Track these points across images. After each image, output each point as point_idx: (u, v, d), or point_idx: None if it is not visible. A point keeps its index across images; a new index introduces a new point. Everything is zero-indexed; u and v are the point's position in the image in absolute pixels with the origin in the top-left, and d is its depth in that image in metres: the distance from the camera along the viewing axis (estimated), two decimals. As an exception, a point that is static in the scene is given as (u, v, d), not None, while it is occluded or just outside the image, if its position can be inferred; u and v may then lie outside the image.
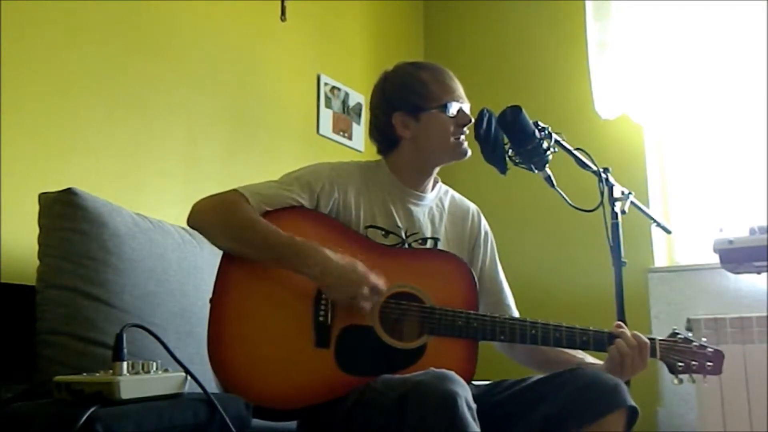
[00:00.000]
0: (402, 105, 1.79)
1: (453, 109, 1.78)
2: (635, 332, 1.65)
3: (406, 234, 1.77)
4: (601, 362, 1.68)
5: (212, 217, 1.65)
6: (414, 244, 1.77)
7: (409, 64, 1.86)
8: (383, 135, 1.83)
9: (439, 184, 1.90)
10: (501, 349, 1.84)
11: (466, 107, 1.81)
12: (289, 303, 1.59)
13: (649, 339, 1.66)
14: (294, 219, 1.66)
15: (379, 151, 1.87)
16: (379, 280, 1.58)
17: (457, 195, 1.95)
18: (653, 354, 1.66)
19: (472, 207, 1.94)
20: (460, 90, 1.81)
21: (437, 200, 1.87)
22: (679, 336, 1.70)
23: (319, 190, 1.71)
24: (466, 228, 1.89)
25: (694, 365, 1.67)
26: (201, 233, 1.70)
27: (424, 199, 1.83)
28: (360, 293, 1.55)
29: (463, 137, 1.79)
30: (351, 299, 1.55)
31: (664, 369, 1.70)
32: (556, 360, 1.73)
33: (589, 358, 1.73)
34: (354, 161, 1.87)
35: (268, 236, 1.58)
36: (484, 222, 1.94)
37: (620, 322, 1.70)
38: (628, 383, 1.62)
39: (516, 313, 1.89)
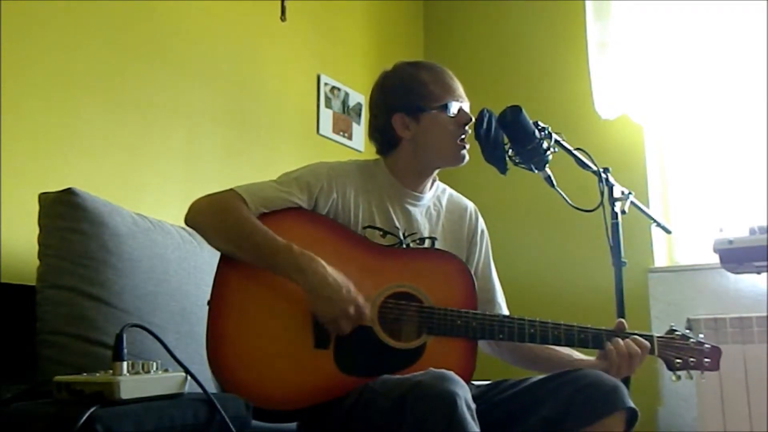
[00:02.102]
0: (402, 106, 1.78)
1: (453, 108, 1.77)
2: (635, 337, 1.65)
3: (404, 234, 1.77)
4: (590, 358, 1.69)
5: (209, 218, 1.64)
6: (412, 244, 1.77)
7: (408, 64, 1.86)
8: (383, 136, 1.83)
9: (437, 182, 1.89)
10: (487, 349, 1.84)
11: (466, 106, 1.80)
12: (288, 304, 1.58)
13: (647, 336, 1.67)
14: (292, 220, 1.66)
15: (379, 152, 1.87)
16: (365, 307, 1.56)
17: (454, 193, 1.94)
18: (651, 351, 1.66)
19: (470, 205, 1.94)
20: (460, 89, 1.81)
21: (435, 199, 1.87)
22: (676, 333, 1.71)
23: (318, 191, 1.70)
24: (463, 226, 1.89)
25: (691, 362, 1.68)
26: (197, 233, 1.70)
27: (422, 199, 1.83)
28: (346, 312, 1.53)
29: (464, 137, 1.79)
30: (336, 316, 1.53)
31: (664, 369, 1.71)
32: (543, 357, 1.74)
33: (576, 354, 1.73)
34: (352, 160, 1.86)
35: (263, 241, 1.57)
36: (481, 220, 1.93)
37: (622, 321, 1.70)
38: (628, 383, 1.62)
39: (506, 312, 1.89)
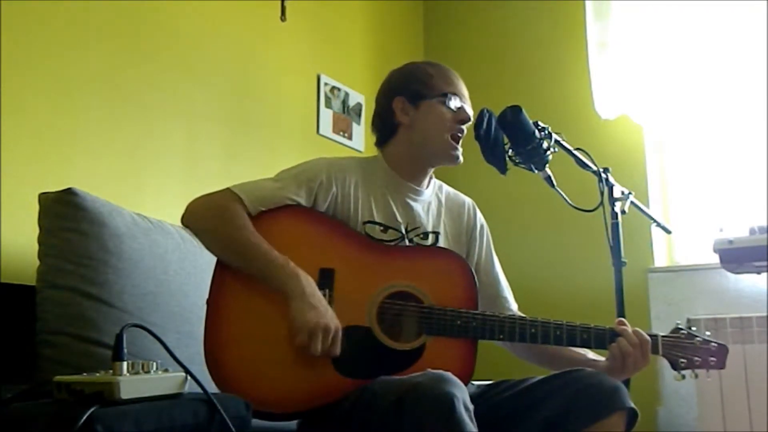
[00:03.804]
0: (403, 90, 1.79)
1: (453, 103, 1.77)
2: (636, 329, 1.63)
3: (406, 229, 1.76)
4: (602, 358, 1.68)
5: (204, 222, 1.64)
6: (416, 239, 1.76)
7: (417, 61, 1.89)
8: (383, 121, 1.83)
9: (434, 179, 1.89)
10: (501, 344, 1.83)
11: (468, 108, 1.80)
12: (285, 305, 1.56)
13: (652, 335, 1.64)
14: (291, 219, 1.66)
15: (378, 142, 1.86)
16: (337, 341, 1.53)
17: (451, 189, 1.94)
18: (655, 351, 1.64)
19: (468, 200, 1.94)
20: (464, 90, 1.81)
21: (434, 195, 1.87)
22: (682, 332, 1.68)
23: (317, 186, 1.70)
24: (462, 221, 1.88)
25: (697, 361, 1.65)
26: (193, 234, 1.70)
27: (422, 194, 1.83)
28: (322, 327, 1.50)
29: (460, 135, 1.78)
30: (311, 328, 1.50)
31: (664, 369, 1.70)
32: (557, 355, 1.73)
33: (590, 354, 1.72)
34: (352, 156, 1.86)
35: (254, 253, 1.57)
36: (479, 215, 1.93)
37: (622, 319, 1.69)
38: (627, 383, 1.61)
39: (514, 305, 1.88)
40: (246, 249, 1.58)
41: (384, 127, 1.83)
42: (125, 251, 1.77)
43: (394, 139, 1.81)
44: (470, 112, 1.81)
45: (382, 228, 1.73)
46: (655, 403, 2.96)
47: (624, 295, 1.82)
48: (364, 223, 1.72)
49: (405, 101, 1.78)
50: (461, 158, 1.80)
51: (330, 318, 1.52)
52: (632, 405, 1.53)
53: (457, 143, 1.78)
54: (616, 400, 1.51)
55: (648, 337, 1.62)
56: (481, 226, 1.92)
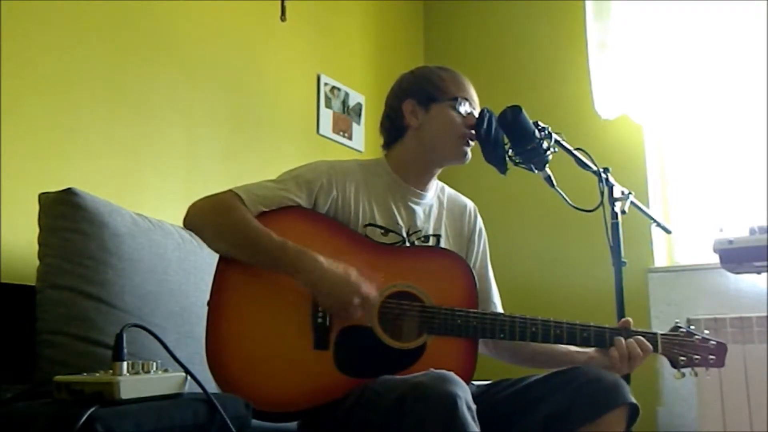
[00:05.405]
0: (415, 93, 1.80)
1: (464, 107, 1.78)
2: (635, 340, 1.63)
3: (407, 232, 1.76)
4: (589, 350, 1.68)
5: (208, 220, 1.64)
6: (417, 242, 1.77)
7: (430, 66, 1.89)
8: (392, 122, 1.83)
9: (436, 181, 1.89)
10: (484, 350, 1.82)
11: (477, 114, 1.80)
12: (287, 305, 1.58)
13: (652, 333, 1.66)
14: (291, 219, 1.66)
15: (384, 144, 1.87)
16: (371, 291, 1.57)
17: (453, 191, 1.94)
18: (655, 349, 1.66)
19: (469, 203, 1.94)
20: (476, 97, 1.83)
21: (436, 197, 1.87)
22: (681, 330, 1.70)
23: (318, 189, 1.70)
24: (463, 224, 1.89)
25: (696, 359, 1.67)
26: (197, 235, 1.70)
27: (424, 197, 1.83)
28: (351, 303, 1.54)
29: (469, 142, 1.79)
30: (342, 308, 1.54)
31: (664, 369, 1.71)
32: (542, 352, 1.73)
33: (573, 347, 1.72)
34: (354, 159, 1.87)
35: (263, 241, 1.57)
36: (479, 220, 1.94)
37: (628, 319, 1.69)
38: (627, 382, 1.62)
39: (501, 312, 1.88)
40: (250, 240, 1.58)
41: (392, 129, 1.84)
42: (125, 251, 1.77)
43: (402, 141, 1.82)
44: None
45: (383, 231, 1.74)
46: (655, 402, 2.95)
47: (624, 295, 1.82)
48: (365, 225, 1.73)
49: (415, 104, 1.79)
50: (470, 155, 1.80)
51: (344, 292, 1.53)
52: (633, 400, 1.53)
53: (467, 143, 1.79)
54: (617, 396, 1.52)
55: (640, 353, 1.62)
56: (480, 231, 1.92)
